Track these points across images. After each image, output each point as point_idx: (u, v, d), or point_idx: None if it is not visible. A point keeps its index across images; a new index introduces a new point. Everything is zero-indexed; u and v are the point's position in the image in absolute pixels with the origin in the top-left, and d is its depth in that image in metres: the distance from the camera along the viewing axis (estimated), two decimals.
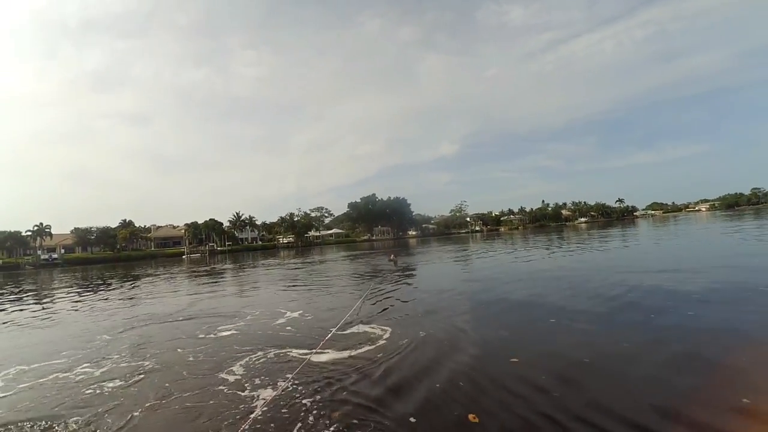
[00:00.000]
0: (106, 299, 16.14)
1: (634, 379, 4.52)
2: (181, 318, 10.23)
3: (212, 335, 7.98)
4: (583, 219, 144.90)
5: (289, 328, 8.20)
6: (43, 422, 4.32)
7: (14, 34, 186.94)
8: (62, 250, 72.47)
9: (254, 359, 6.09)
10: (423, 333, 6.92)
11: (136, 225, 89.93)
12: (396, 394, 4.41)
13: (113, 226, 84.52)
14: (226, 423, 4.00)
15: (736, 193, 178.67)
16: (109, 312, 12.41)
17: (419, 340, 6.48)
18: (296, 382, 4.97)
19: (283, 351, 6.42)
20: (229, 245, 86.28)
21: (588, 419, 3.62)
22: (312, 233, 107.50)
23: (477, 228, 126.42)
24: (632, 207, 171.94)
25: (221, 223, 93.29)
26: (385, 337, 6.85)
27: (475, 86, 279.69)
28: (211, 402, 4.57)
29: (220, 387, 5.04)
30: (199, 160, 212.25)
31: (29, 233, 73.49)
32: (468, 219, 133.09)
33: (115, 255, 73.18)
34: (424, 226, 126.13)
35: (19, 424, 4.31)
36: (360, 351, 6.13)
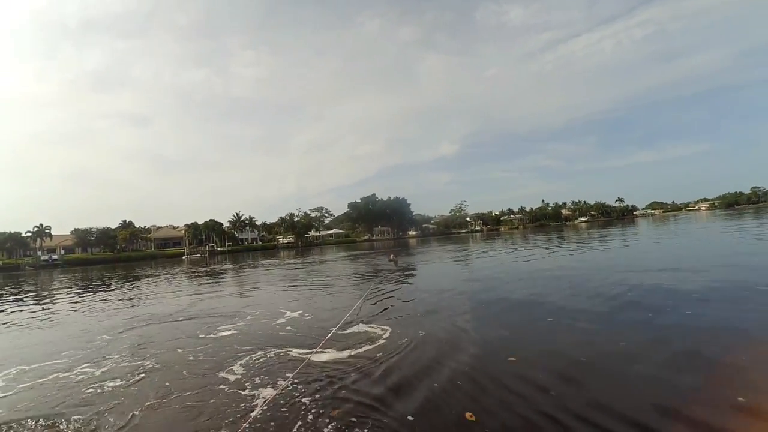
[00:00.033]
0: (106, 300, 16.14)
1: (634, 377, 4.53)
2: (181, 318, 10.24)
3: (212, 335, 7.98)
4: (583, 218, 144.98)
5: (289, 328, 8.20)
6: (44, 421, 4.33)
7: (14, 34, 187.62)
8: (62, 251, 72.52)
9: (254, 359, 6.10)
10: (422, 333, 6.92)
11: (136, 226, 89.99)
12: (395, 393, 4.42)
13: (113, 226, 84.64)
14: (226, 422, 4.01)
15: (736, 192, 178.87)
16: (109, 312, 12.42)
17: (419, 340, 6.49)
18: (296, 381, 4.98)
19: (283, 351, 6.43)
20: (229, 246, 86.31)
21: (586, 417, 3.63)
22: (312, 233, 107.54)
23: (477, 228, 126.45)
24: (632, 206, 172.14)
25: (221, 224, 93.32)
26: (385, 336, 6.86)
27: (474, 86, 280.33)
28: (212, 401, 4.58)
29: (221, 386, 5.05)
30: (199, 160, 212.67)
31: (29, 234, 73.53)
32: (468, 219, 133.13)
33: (115, 256, 73.21)
34: (424, 226, 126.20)
35: (21, 423, 4.32)
36: (360, 350, 6.14)
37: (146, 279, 26.52)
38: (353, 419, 3.89)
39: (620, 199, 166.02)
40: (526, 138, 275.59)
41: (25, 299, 19.08)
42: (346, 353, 6.03)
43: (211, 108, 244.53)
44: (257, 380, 5.16)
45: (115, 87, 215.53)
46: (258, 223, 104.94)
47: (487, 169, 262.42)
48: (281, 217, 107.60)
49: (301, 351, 6.33)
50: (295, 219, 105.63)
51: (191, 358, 6.45)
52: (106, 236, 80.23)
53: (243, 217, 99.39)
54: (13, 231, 73.18)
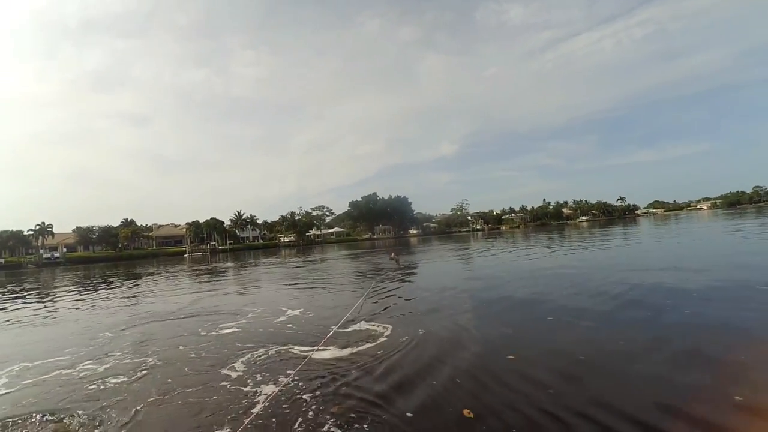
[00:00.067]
0: (108, 297, 16.22)
1: (634, 376, 4.54)
2: (182, 316, 10.28)
3: (214, 333, 8.02)
4: (584, 217, 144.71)
5: (290, 325, 8.24)
6: (48, 417, 4.36)
7: (15, 34, 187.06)
8: (64, 249, 72.81)
9: (256, 356, 6.13)
10: (423, 331, 6.94)
11: (138, 224, 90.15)
12: (395, 391, 4.45)
13: (115, 225, 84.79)
14: (228, 418, 4.04)
15: (737, 192, 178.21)
16: (111, 310, 12.48)
17: (420, 338, 6.51)
18: (297, 378, 5.01)
19: (285, 348, 6.46)
20: (230, 244, 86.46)
21: (585, 414, 3.64)
22: (313, 232, 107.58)
23: (478, 227, 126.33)
24: (633, 205, 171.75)
25: (222, 222, 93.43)
26: (386, 334, 6.88)
27: (475, 86, 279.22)
28: (214, 397, 4.61)
29: (223, 383, 5.08)
30: (199, 160, 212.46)
31: (31, 232, 73.74)
32: (469, 218, 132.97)
33: (117, 254, 73.39)
34: (425, 224, 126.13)
35: (25, 418, 4.36)
36: (361, 348, 6.16)
37: (148, 277, 26.61)
38: (353, 415, 3.91)
39: (621, 198, 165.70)
40: (526, 137, 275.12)
41: (27, 297, 19.17)
42: (347, 351, 6.06)
43: (211, 108, 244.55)
44: (258, 377, 5.19)
45: (115, 87, 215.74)
46: (259, 221, 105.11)
47: (487, 169, 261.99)
48: (282, 216, 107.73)
49: (303, 348, 6.36)
50: (297, 218, 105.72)
51: (193, 355, 6.49)
52: (107, 234, 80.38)
53: (244, 216, 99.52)
54: (15, 229, 73.52)
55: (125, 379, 5.53)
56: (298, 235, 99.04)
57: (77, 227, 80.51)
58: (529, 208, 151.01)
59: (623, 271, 12.66)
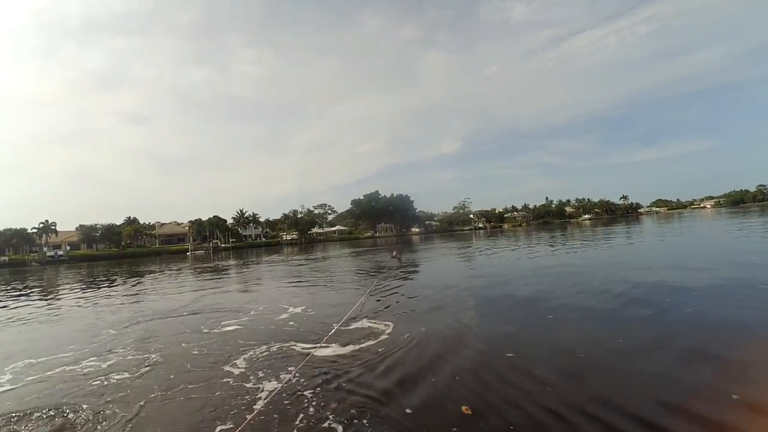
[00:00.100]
0: (111, 295, 16.32)
1: (634, 373, 4.56)
2: (185, 313, 10.34)
3: (216, 330, 8.06)
4: (586, 216, 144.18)
5: (292, 323, 8.27)
6: (53, 412, 4.41)
7: (16, 34, 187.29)
8: (68, 247, 73.06)
9: (258, 353, 6.17)
10: (425, 329, 6.97)
11: (141, 222, 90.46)
12: (395, 388, 4.48)
13: (118, 223, 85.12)
14: (231, 414, 4.08)
15: (741, 190, 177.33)
16: (114, 307, 12.56)
17: (421, 336, 6.53)
18: (299, 375, 5.05)
19: (286, 345, 6.50)
20: (232, 242, 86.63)
21: (583, 411, 3.66)
22: (315, 230, 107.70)
23: (480, 225, 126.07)
24: (636, 204, 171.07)
25: (225, 220, 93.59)
26: (387, 332, 6.91)
27: (475, 84, 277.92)
28: (216, 394, 4.65)
29: (225, 379, 5.12)
30: (200, 160, 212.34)
31: (35, 230, 74.05)
32: (471, 216, 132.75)
33: (120, 252, 73.65)
34: (427, 223, 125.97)
35: (29, 414, 4.41)
36: (362, 345, 6.20)
37: (151, 275, 26.72)
38: (353, 411, 3.95)
39: (624, 197, 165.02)
40: (527, 135, 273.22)
41: (31, 294, 19.30)
42: (348, 348, 6.10)
43: (211, 107, 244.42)
44: (260, 374, 5.23)
45: (116, 86, 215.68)
46: (261, 219, 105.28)
47: (488, 167, 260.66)
48: (285, 214, 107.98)
49: (304, 346, 6.39)
50: (299, 216, 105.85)
51: (195, 352, 6.53)
52: (111, 232, 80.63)
53: (247, 214, 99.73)
54: (19, 227, 73.88)
55: (128, 375, 5.58)
56: (300, 234, 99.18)
57: (80, 225, 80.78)
58: (531, 206, 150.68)
59: (626, 270, 12.64)
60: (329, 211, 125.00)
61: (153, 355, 6.50)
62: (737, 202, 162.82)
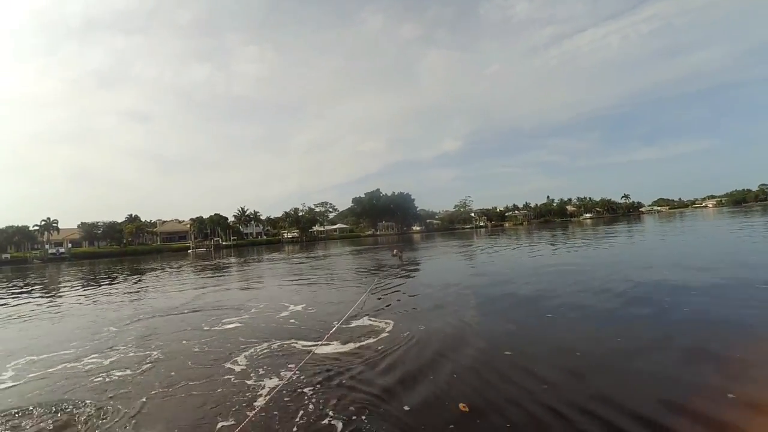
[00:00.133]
0: (112, 292, 16.37)
1: (635, 372, 4.57)
2: (186, 311, 10.37)
3: (217, 327, 8.09)
4: (588, 215, 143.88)
5: (293, 321, 8.30)
6: (55, 408, 4.44)
7: (17, 33, 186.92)
8: (69, 245, 73.20)
9: (259, 351, 6.19)
10: (425, 327, 6.99)
11: (142, 220, 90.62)
12: (394, 385, 4.50)
13: (119, 221, 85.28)
14: (232, 410, 4.10)
15: (743, 190, 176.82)
16: (115, 305, 12.60)
17: (420, 334, 6.55)
18: (299, 372, 5.07)
19: (287, 343, 6.53)
20: (234, 240, 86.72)
21: (579, 409, 3.68)
22: (316, 228, 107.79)
23: (481, 223, 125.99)
24: (638, 203, 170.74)
25: (226, 218, 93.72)
26: (388, 330, 6.93)
27: (476, 83, 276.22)
28: (218, 390, 4.68)
29: (226, 377, 5.14)
30: (201, 159, 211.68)
31: (37, 228, 74.27)
32: (472, 214, 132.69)
33: (122, 249, 73.82)
34: (428, 221, 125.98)
35: (31, 410, 4.44)
36: (363, 343, 6.22)
37: (152, 272, 26.79)
38: (352, 408, 3.98)
39: (626, 196, 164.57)
40: (528, 134, 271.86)
41: (33, 292, 19.38)
42: (348, 346, 6.12)
43: (212, 107, 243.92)
44: (261, 371, 5.25)
45: (117, 85, 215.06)
46: (263, 217, 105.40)
47: (489, 165, 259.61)
48: (286, 212, 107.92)
49: (305, 343, 6.42)
50: (300, 214, 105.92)
51: (196, 350, 6.56)
52: (112, 230, 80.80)
53: (248, 212, 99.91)
54: (20, 224, 74.01)
55: (130, 372, 5.61)
56: (301, 231, 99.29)
57: (82, 223, 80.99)
58: (532, 205, 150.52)
59: (627, 269, 12.64)
60: (330, 209, 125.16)
61: (154, 352, 6.53)
62: (739, 201, 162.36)
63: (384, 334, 6.65)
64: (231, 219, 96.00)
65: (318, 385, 4.62)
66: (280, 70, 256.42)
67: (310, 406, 4.07)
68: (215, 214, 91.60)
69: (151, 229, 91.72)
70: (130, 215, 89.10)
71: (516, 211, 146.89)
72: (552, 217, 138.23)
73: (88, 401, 4.58)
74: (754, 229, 25.58)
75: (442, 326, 7.02)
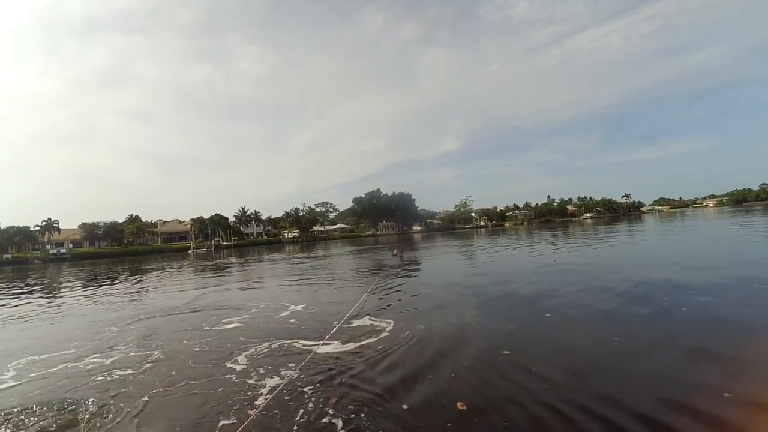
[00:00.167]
0: (113, 293, 16.39)
1: (635, 371, 4.59)
2: (187, 311, 10.39)
3: (218, 327, 8.11)
4: (588, 214, 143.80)
5: (293, 320, 8.31)
6: (56, 407, 4.46)
7: (18, 33, 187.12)
8: (70, 245, 73.25)
9: (259, 350, 6.21)
10: (425, 327, 7.00)
11: (143, 220, 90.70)
12: (394, 385, 4.52)
13: (120, 221, 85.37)
14: (233, 410, 4.12)
15: (744, 189, 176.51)
16: (116, 305, 12.62)
17: (421, 334, 6.56)
18: (300, 372, 5.08)
19: (287, 343, 6.54)
20: (234, 240, 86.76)
21: (583, 407, 3.69)
22: (317, 228, 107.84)
23: (482, 223, 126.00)
24: (639, 202, 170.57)
25: (227, 218, 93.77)
26: (388, 329, 6.95)
27: (477, 83, 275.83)
28: (219, 389, 4.70)
29: (227, 376, 5.16)
30: (201, 159, 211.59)
31: (38, 228, 74.32)
32: (473, 214, 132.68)
33: (123, 249, 73.87)
34: (428, 221, 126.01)
35: (33, 409, 4.46)
36: (362, 343, 6.23)
37: (153, 273, 26.82)
38: (353, 407, 3.99)
39: (626, 195, 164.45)
40: (529, 133, 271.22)
41: (33, 292, 19.41)
42: (349, 346, 6.13)
43: (212, 107, 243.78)
44: (262, 370, 5.27)
45: (118, 85, 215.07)
46: (263, 217, 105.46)
47: (490, 165, 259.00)
48: (286, 212, 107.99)
49: (305, 343, 6.44)
50: (300, 214, 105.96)
51: (197, 349, 6.58)
52: (113, 230, 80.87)
53: (248, 212, 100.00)
54: (21, 225, 74.12)
55: (131, 371, 5.62)
56: (301, 231, 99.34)
57: (83, 223, 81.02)
58: (533, 204, 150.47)
59: (628, 268, 12.65)
60: (331, 209, 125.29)
61: (155, 352, 6.55)
62: (740, 200, 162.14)
63: (384, 334, 6.67)
64: (231, 219, 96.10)
65: (318, 385, 4.64)
66: (281, 69, 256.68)
67: (311, 405, 4.09)
68: (216, 215, 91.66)
69: (151, 229, 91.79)
70: (131, 215, 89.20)
71: (516, 211, 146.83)
72: (552, 217, 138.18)
73: (90, 400, 4.59)
74: (754, 229, 25.56)
75: (443, 326, 7.03)
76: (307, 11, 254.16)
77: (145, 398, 4.56)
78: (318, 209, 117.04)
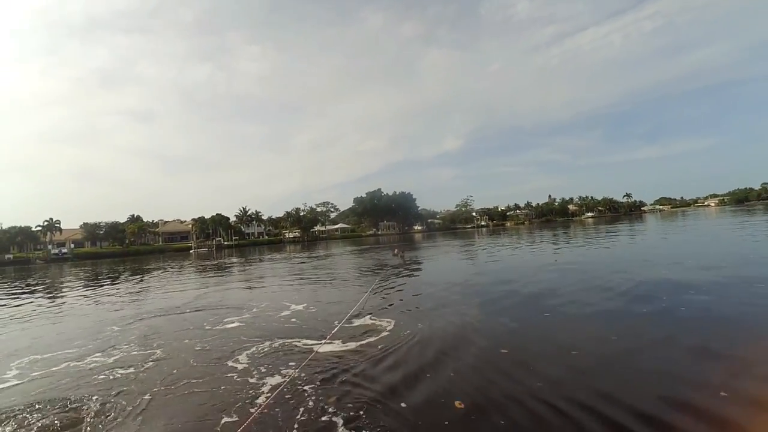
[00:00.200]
0: (114, 292, 16.43)
1: (636, 370, 4.61)
2: (188, 310, 10.42)
3: (219, 327, 8.14)
4: (590, 214, 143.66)
5: (294, 320, 8.33)
6: (59, 405, 4.49)
7: (20, 33, 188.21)
8: (72, 245, 73.39)
9: (260, 350, 6.23)
10: (426, 326, 7.02)
11: (144, 220, 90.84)
12: (394, 383, 4.55)
13: (122, 221, 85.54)
14: (235, 408, 4.14)
15: (745, 188, 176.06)
16: (118, 305, 12.65)
17: (422, 333, 6.58)
18: (300, 370, 5.11)
19: (289, 342, 6.57)
20: (235, 240, 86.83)
21: (583, 405, 3.71)
22: (318, 228, 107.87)
23: (483, 223, 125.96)
24: (640, 202, 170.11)
25: (228, 218, 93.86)
26: (389, 329, 6.97)
27: (478, 81, 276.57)
28: (221, 388, 4.73)
29: (228, 375, 5.19)
30: (203, 159, 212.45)
31: (39, 228, 74.49)
32: (474, 214, 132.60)
33: (124, 249, 74.01)
34: (429, 221, 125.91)
35: (35, 407, 4.48)
36: (364, 342, 6.25)
37: (154, 272, 26.86)
38: (354, 406, 4.02)
39: (628, 195, 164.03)
40: (530, 132, 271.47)
41: (35, 292, 19.45)
42: (350, 345, 6.15)
43: (214, 106, 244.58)
44: (263, 369, 5.30)
45: (120, 85, 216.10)
46: (264, 217, 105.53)
47: (490, 165, 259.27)
48: (287, 212, 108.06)
49: (306, 342, 6.46)
50: (301, 214, 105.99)
51: (198, 348, 6.60)
52: (114, 230, 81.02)
53: (249, 212, 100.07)
54: (23, 225, 74.29)
55: (133, 370, 5.65)
56: (302, 231, 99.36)
57: (84, 223, 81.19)
58: (534, 204, 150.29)
59: (629, 268, 12.64)
60: (332, 209, 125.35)
61: (157, 351, 6.58)
62: (741, 200, 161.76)
63: (385, 333, 6.69)
64: (233, 219, 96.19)
65: (319, 383, 4.66)
66: (282, 68, 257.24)
67: (311, 404, 4.12)
68: (217, 214, 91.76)
69: (153, 229, 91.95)
70: (132, 215, 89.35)
71: (517, 211, 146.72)
72: (554, 217, 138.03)
73: (92, 398, 4.63)
74: (756, 228, 25.52)
75: (444, 325, 7.05)
76: (308, 10, 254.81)
77: (148, 396, 4.59)
78: (319, 209, 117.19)
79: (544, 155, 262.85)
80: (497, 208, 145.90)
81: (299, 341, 6.55)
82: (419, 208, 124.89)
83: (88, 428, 3.93)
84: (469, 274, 15.11)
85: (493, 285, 11.31)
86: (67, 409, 4.40)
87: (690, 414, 3.49)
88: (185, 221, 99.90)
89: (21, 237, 73.61)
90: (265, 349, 6.22)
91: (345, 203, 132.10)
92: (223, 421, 3.86)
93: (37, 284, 24.01)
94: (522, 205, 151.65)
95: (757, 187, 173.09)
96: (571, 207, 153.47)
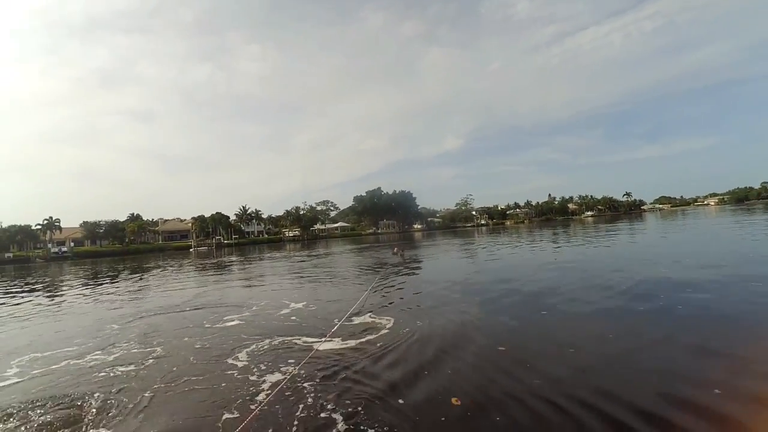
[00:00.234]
0: (114, 291, 16.44)
1: (636, 367, 4.63)
2: (188, 308, 10.43)
3: (219, 325, 8.15)
4: (589, 213, 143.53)
5: (294, 318, 8.35)
6: (59, 403, 4.51)
7: (20, 33, 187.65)
8: (72, 244, 73.41)
9: (260, 347, 6.25)
10: (425, 324, 7.04)
11: (144, 219, 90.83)
12: (393, 381, 4.56)
13: (122, 220, 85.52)
14: (235, 405, 4.15)
15: (745, 188, 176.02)
16: (118, 303, 12.66)
17: (421, 331, 6.60)
18: (300, 368, 5.12)
19: (288, 339, 6.58)
20: (235, 238, 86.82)
21: (583, 402, 3.72)
22: (318, 227, 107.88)
23: (483, 222, 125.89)
24: (640, 201, 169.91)
25: (228, 217, 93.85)
26: (388, 327, 6.98)
27: (478, 81, 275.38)
28: (222, 385, 4.75)
29: (229, 372, 5.20)
30: (203, 158, 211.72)
31: (39, 227, 74.49)
32: (474, 213, 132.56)
33: (124, 248, 74.02)
34: (429, 219, 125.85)
35: (35, 405, 4.50)
36: (362, 340, 6.27)
37: (154, 271, 26.88)
38: (353, 403, 4.04)
39: (628, 194, 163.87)
40: (530, 132, 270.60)
41: (36, 290, 19.47)
42: (349, 343, 6.17)
43: (214, 106, 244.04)
44: (263, 367, 5.31)
45: (120, 85, 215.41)
46: (264, 216, 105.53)
47: (491, 164, 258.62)
48: (287, 211, 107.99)
49: (306, 340, 6.47)
50: (301, 212, 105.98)
51: (198, 346, 6.61)
52: (114, 229, 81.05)
53: (249, 210, 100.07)
54: (23, 224, 74.26)
55: (134, 368, 5.67)
56: (302, 230, 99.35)
57: (84, 222, 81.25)
58: (534, 203, 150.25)
59: (629, 266, 12.67)
60: (332, 208, 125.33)
61: (157, 349, 6.59)
62: (741, 199, 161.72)
63: (385, 331, 6.70)
64: (232, 218, 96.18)
65: (319, 381, 4.68)
66: (282, 68, 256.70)
67: (311, 401, 4.14)
68: (217, 213, 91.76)
69: (153, 227, 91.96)
70: (132, 214, 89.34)
71: (517, 210, 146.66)
72: (553, 216, 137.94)
73: (93, 395, 4.64)
74: (756, 227, 25.54)
75: (444, 323, 7.06)
76: (308, 10, 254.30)
77: (149, 394, 4.60)
78: (319, 208, 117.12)
79: (544, 154, 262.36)
80: (497, 207, 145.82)
81: (299, 339, 6.56)
82: (419, 207, 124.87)
83: (90, 424, 3.94)
84: (469, 272, 15.12)
85: (492, 283, 11.32)
86: (68, 406, 4.42)
87: (689, 411, 3.50)
88: (185, 220, 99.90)
89: (21, 236, 73.59)
90: (265, 347, 6.24)
91: (345, 202, 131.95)
92: (224, 417, 3.87)
93: (36, 283, 24.02)
94: (522, 204, 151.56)
95: (756, 186, 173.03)
96: (570, 206, 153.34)
